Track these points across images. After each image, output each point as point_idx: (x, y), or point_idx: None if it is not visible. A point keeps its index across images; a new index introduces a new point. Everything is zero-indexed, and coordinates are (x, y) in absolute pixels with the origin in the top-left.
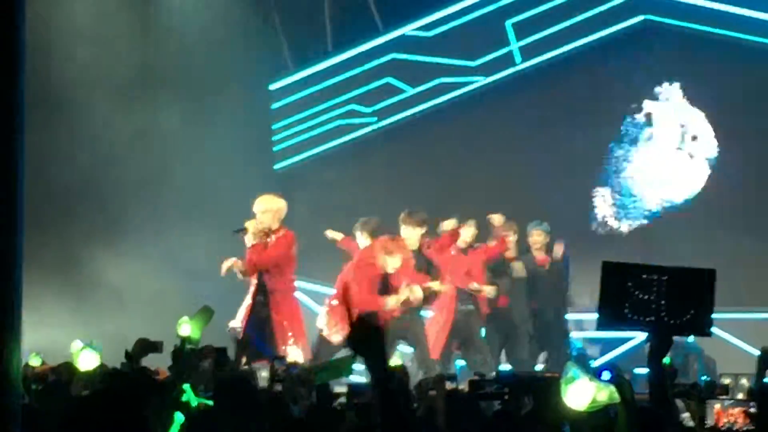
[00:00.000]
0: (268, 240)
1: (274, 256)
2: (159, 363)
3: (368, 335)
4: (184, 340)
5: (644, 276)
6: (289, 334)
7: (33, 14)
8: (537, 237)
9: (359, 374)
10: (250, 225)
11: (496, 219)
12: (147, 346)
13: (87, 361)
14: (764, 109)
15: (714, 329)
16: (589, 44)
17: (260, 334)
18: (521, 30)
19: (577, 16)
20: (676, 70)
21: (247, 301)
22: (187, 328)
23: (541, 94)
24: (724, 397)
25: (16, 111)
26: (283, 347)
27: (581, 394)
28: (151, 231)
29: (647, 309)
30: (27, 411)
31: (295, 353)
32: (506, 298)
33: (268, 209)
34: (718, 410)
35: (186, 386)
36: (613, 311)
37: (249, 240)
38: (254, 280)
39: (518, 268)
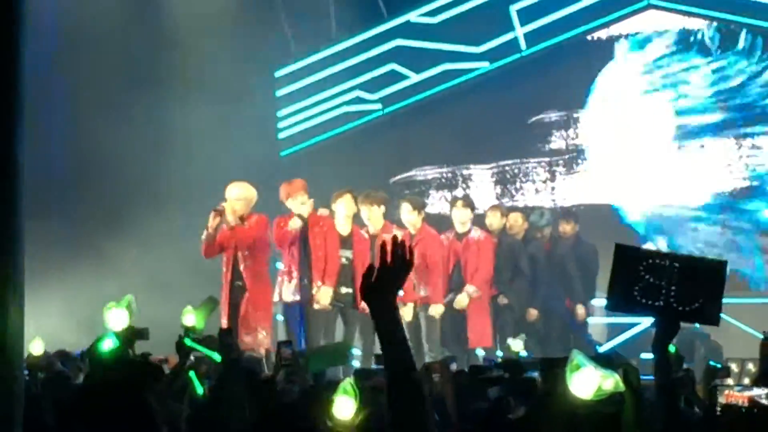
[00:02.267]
0: (244, 224)
1: (252, 235)
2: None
3: (390, 281)
4: (188, 330)
5: (656, 261)
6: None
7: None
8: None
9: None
10: (226, 207)
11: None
12: (134, 334)
13: (116, 320)
14: None
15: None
16: (594, 29)
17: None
18: (526, 15)
19: (582, 1)
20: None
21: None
22: (191, 317)
23: (547, 79)
24: (728, 381)
25: (17, 103)
26: (246, 332)
27: (587, 382)
28: (155, 218)
29: (657, 293)
30: (32, 398)
31: (260, 339)
32: None
33: (241, 197)
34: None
35: (191, 374)
36: (623, 294)
37: (225, 222)
38: (226, 269)
39: None
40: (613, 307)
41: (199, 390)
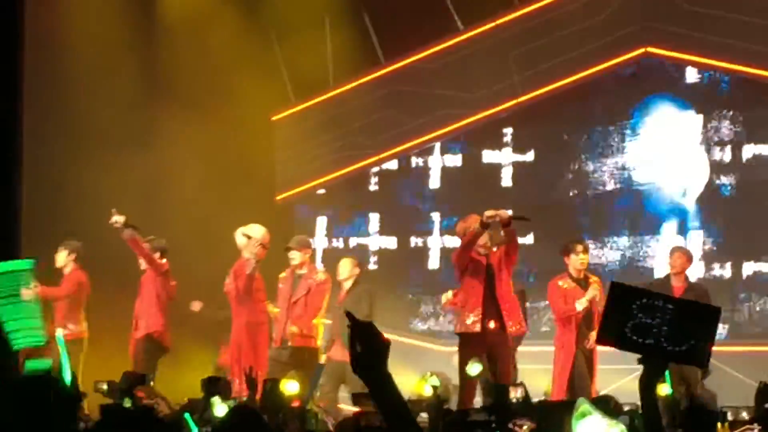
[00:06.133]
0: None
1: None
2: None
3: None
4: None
5: (651, 301)
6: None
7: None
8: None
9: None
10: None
11: None
12: (134, 379)
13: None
14: None
15: (715, 361)
16: (591, 76)
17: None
18: (523, 62)
19: (579, 49)
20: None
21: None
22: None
23: (542, 126)
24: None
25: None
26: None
27: (593, 429)
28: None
29: (647, 332)
30: None
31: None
32: None
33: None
34: None
35: (186, 416)
36: (614, 329)
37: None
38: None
39: None
40: (602, 341)
41: (194, 430)
